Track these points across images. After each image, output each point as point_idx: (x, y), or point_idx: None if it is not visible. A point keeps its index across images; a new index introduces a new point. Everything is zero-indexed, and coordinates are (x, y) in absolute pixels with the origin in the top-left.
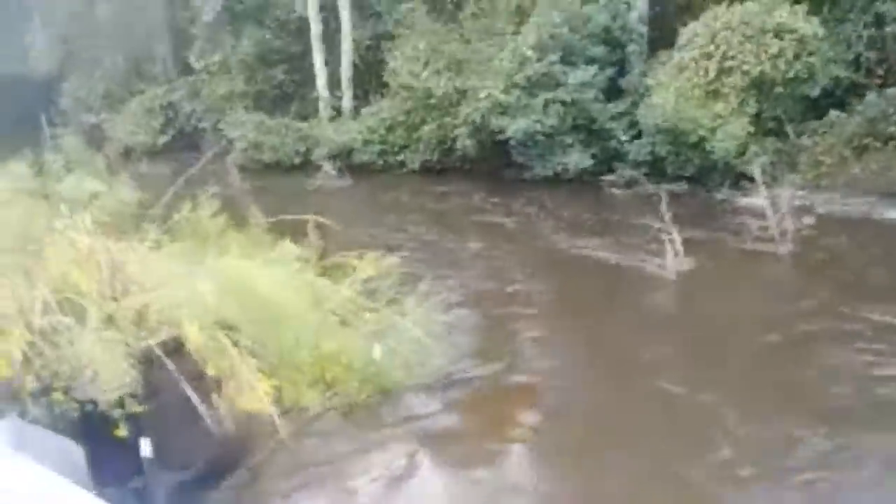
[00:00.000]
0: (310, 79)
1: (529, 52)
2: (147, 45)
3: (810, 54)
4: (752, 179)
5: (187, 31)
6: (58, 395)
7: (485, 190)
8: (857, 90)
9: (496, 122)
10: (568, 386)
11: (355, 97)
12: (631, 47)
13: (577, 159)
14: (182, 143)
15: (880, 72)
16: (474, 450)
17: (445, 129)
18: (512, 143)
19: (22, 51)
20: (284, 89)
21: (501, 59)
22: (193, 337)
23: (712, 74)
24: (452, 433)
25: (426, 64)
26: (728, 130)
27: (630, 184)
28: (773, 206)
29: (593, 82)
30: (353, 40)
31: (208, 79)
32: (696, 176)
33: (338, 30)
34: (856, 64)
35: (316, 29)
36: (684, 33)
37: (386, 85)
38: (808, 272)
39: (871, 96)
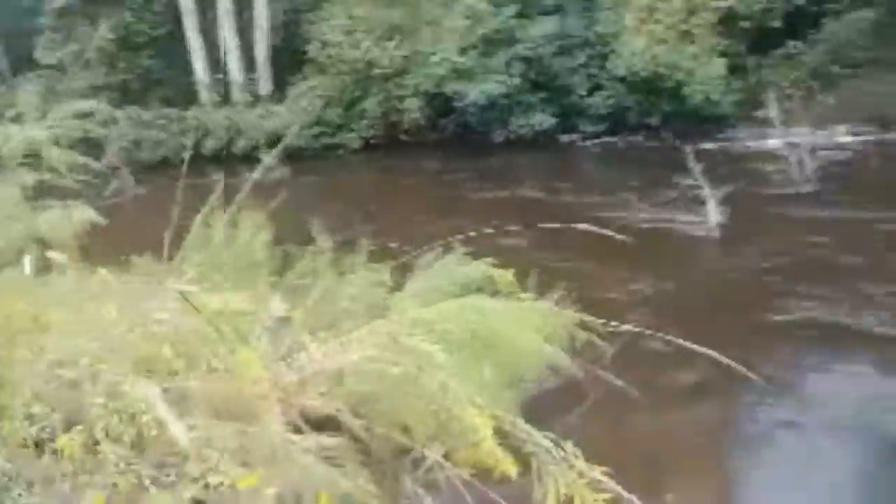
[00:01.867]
0: (179, 62)
1: (483, 7)
2: None
3: None
4: (717, 122)
5: (31, 22)
6: None
7: (449, 162)
8: (812, 19)
9: (453, 87)
10: None
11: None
12: None
13: (540, 119)
14: None
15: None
16: None
17: (391, 102)
18: (471, 109)
19: None
20: (154, 77)
21: (452, 19)
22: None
23: (682, 15)
24: None
25: (366, 32)
26: (707, 72)
27: (592, 138)
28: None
29: (553, 34)
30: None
31: (59, 75)
32: (660, 124)
33: (246, 5)
34: None
35: (187, 4)
36: None
37: (307, 62)
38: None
39: (832, 24)
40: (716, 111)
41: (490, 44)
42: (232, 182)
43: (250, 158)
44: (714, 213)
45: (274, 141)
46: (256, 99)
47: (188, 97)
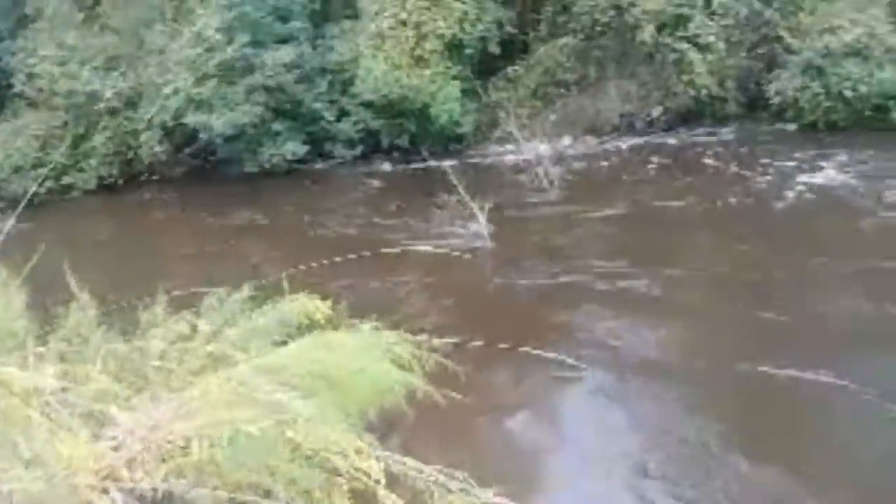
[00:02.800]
0: None
1: (217, 36)
2: None
3: (490, 14)
4: (461, 141)
5: None
6: None
7: (200, 196)
8: (523, 45)
9: (194, 118)
10: None
11: None
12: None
13: (292, 147)
14: None
15: (542, 27)
16: None
17: (123, 137)
18: (217, 140)
19: None
20: None
21: (182, 48)
22: None
23: (413, 42)
24: None
25: (83, 63)
26: (448, 94)
27: (348, 163)
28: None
29: (292, 62)
30: None
31: None
32: (411, 145)
33: None
34: (521, 22)
35: None
36: (367, 2)
37: (12, 97)
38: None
39: (541, 49)
40: (460, 131)
41: (228, 73)
42: None
43: None
44: (484, 225)
45: None
46: None
47: None
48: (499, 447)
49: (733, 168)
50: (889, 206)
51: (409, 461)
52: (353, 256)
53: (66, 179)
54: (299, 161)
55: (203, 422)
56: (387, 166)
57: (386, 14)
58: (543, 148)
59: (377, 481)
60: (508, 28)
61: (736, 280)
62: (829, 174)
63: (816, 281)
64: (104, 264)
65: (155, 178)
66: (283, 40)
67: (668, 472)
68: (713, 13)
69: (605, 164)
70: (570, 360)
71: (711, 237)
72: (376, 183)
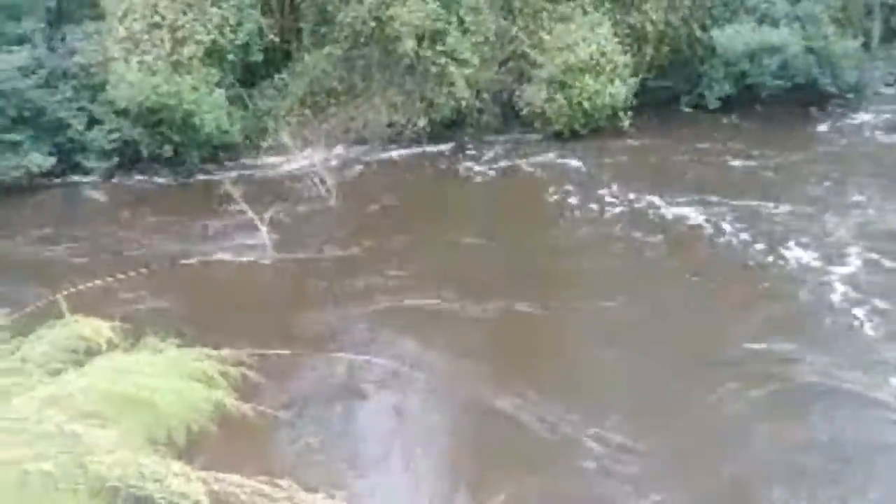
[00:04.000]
0: None
1: None
2: None
3: (250, 21)
4: (229, 150)
5: None
6: None
7: None
8: (285, 54)
9: None
10: None
11: None
12: (33, 22)
13: (37, 159)
14: None
15: (304, 37)
16: None
17: None
18: None
19: None
20: None
21: None
22: None
23: (169, 46)
24: None
25: None
26: (213, 101)
27: (104, 176)
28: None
29: (26, 66)
30: None
31: None
32: (175, 155)
33: None
34: (281, 30)
35: None
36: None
37: None
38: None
39: (307, 58)
40: (228, 140)
41: None
42: None
43: None
44: (266, 235)
45: None
46: None
47: None
48: (315, 451)
49: (477, 169)
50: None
51: (231, 476)
52: (133, 274)
53: None
54: (47, 175)
55: None
56: (153, 178)
57: (136, 16)
58: (318, 157)
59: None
60: (271, 36)
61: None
62: (569, 175)
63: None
64: None
65: None
66: (17, 41)
67: None
68: (466, 30)
69: (372, 171)
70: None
71: (451, 230)
72: (142, 196)
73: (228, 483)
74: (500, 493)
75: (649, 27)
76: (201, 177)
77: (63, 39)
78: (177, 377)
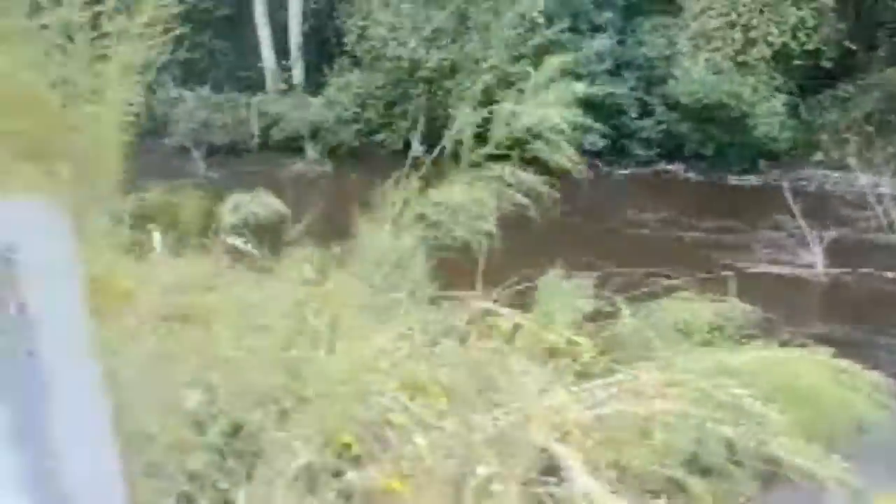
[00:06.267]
0: (243, 45)
1: (540, 18)
2: None
3: (827, 25)
4: (771, 158)
5: None
6: None
7: None
8: (864, 63)
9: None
10: None
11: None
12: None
13: (593, 139)
14: None
15: (881, 47)
16: None
17: (435, 105)
18: None
19: None
20: (216, 58)
21: (503, 27)
22: None
23: (738, 45)
24: None
25: (413, 31)
26: (770, 106)
27: (644, 164)
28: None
29: (606, 53)
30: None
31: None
32: (715, 156)
33: None
34: (866, 37)
35: None
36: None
37: (340, 54)
38: None
39: (887, 70)
40: (775, 147)
41: (542, 55)
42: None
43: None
44: (820, 256)
45: (310, 133)
46: (290, 88)
47: (248, 82)
48: None
49: None
50: None
51: None
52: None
53: (376, 137)
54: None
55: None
56: (687, 173)
57: (712, 13)
58: (885, 183)
59: None
60: (846, 43)
61: None
62: None
63: None
64: None
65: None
66: (597, 29)
67: None
68: None
69: None
70: None
71: None
72: (666, 189)
73: None
74: None
75: None
76: (734, 181)
77: (633, 31)
78: (828, 380)
